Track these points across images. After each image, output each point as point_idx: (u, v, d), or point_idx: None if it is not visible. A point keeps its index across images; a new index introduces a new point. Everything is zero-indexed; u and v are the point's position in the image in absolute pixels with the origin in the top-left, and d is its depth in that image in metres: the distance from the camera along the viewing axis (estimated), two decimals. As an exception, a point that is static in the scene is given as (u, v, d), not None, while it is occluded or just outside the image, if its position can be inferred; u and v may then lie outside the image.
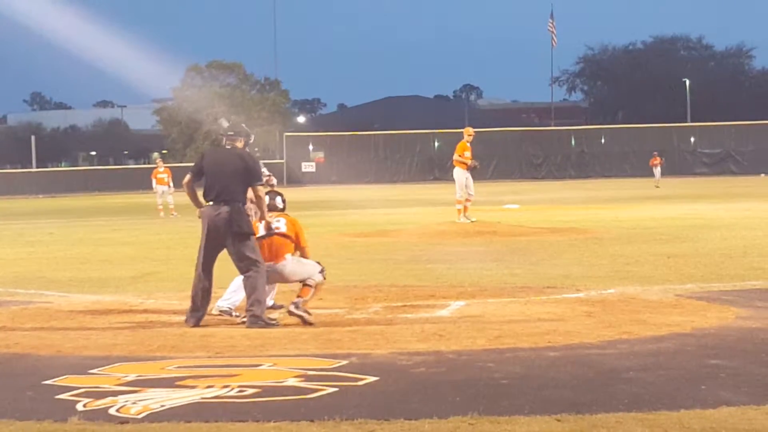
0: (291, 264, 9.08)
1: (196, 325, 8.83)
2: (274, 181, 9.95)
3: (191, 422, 5.55)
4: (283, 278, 9.17)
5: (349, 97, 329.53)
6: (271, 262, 9.02)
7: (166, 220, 27.30)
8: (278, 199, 9.44)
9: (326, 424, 5.44)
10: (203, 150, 9.47)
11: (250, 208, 9.30)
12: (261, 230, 9.17)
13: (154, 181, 31.12)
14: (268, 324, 8.73)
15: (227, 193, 8.83)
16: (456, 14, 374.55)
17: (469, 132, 21.60)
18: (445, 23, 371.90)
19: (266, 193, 9.40)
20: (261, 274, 8.84)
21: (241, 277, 9.02)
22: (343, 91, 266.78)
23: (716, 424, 5.34)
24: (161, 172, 31.05)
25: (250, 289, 8.81)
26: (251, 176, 8.91)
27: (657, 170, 45.96)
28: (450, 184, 24.87)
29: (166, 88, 74.88)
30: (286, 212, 9.43)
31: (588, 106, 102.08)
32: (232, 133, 9.13)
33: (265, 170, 9.93)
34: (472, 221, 20.27)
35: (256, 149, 70.76)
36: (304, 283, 9.05)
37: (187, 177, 9.09)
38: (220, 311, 9.44)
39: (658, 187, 42.93)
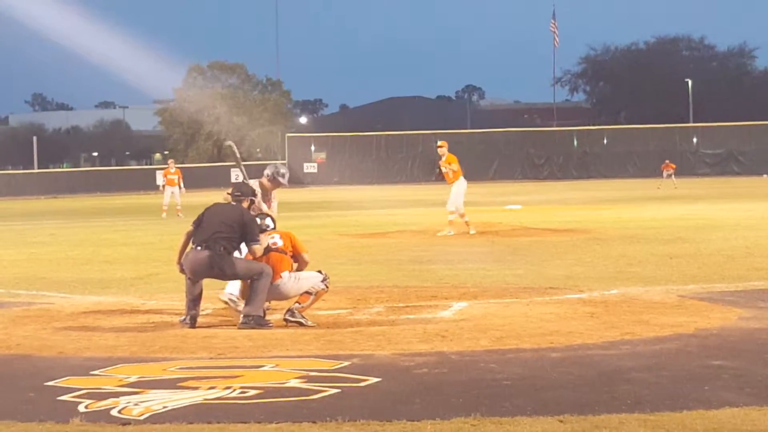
0: (289, 282, 9.01)
1: (192, 326, 8.85)
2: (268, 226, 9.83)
3: (193, 423, 5.54)
4: (281, 296, 9.11)
5: (351, 98, 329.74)
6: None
7: (168, 221, 27.28)
8: (268, 220, 9.41)
9: (328, 425, 5.43)
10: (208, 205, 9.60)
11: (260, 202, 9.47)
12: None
13: (164, 181, 31.31)
14: (259, 325, 8.74)
15: (213, 239, 8.88)
16: (458, 15, 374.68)
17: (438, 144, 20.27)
18: (448, 24, 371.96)
19: (256, 216, 9.43)
20: (265, 280, 8.86)
21: None
22: (345, 91, 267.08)
23: (719, 425, 5.33)
24: (172, 173, 31.22)
25: (252, 290, 8.87)
26: (246, 233, 8.97)
27: (666, 173, 45.89)
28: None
29: (168, 89, 75.07)
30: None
31: (590, 106, 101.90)
32: (238, 193, 9.35)
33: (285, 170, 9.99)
34: (451, 234, 19.28)
35: (258, 150, 70.79)
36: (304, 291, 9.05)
37: (190, 229, 9.18)
38: (227, 300, 9.43)
39: (659, 188, 42.91)
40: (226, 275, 8.98)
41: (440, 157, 20.07)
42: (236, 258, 8.98)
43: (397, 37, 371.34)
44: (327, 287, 9.10)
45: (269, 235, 9.22)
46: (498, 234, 18.70)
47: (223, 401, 6.05)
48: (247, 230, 9.00)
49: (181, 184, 30.71)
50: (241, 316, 8.89)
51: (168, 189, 30.80)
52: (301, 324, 8.79)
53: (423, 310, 9.68)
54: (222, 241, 8.88)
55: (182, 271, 9.06)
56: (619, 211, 26.80)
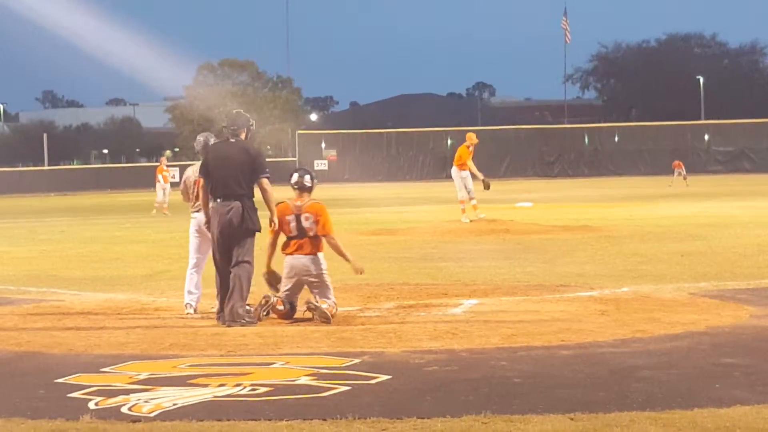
0: (323, 262, 9.01)
1: (224, 324, 8.74)
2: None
3: (203, 421, 5.53)
4: (309, 274, 8.95)
5: (362, 95, 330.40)
6: (311, 255, 8.94)
7: (175, 218, 27.16)
8: (307, 177, 9.18)
9: (339, 422, 5.42)
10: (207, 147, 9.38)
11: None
12: (294, 230, 9.01)
13: (161, 178, 31.16)
14: (248, 323, 8.66)
15: (235, 189, 8.75)
16: (469, 11, 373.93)
17: (471, 140, 20.94)
18: (458, 21, 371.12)
19: (295, 170, 9.23)
20: (248, 273, 8.78)
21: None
22: (355, 88, 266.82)
23: (730, 423, 5.30)
24: (165, 170, 31.22)
25: (235, 285, 8.71)
26: (256, 169, 8.78)
27: (678, 171, 45.67)
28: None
29: (179, 86, 75.10)
30: (312, 197, 9.19)
31: (601, 103, 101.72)
32: (234, 126, 9.02)
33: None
34: (470, 221, 20.09)
35: (268, 147, 70.84)
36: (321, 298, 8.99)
37: (201, 181, 9.00)
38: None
39: (670, 185, 42.75)
40: (252, 230, 8.72)
41: (471, 145, 20.80)
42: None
43: (407, 33, 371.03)
44: (336, 310, 8.98)
45: (305, 213, 8.98)
46: (509, 231, 18.62)
47: (233, 398, 6.03)
48: (256, 164, 8.76)
49: (169, 183, 30.73)
50: (228, 314, 8.71)
51: (166, 186, 30.76)
52: (323, 312, 8.68)
53: (433, 307, 9.64)
54: (246, 190, 8.70)
55: (209, 227, 8.85)
56: (631, 208, 26.68)
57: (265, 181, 8.84)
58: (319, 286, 8.99)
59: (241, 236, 8.80)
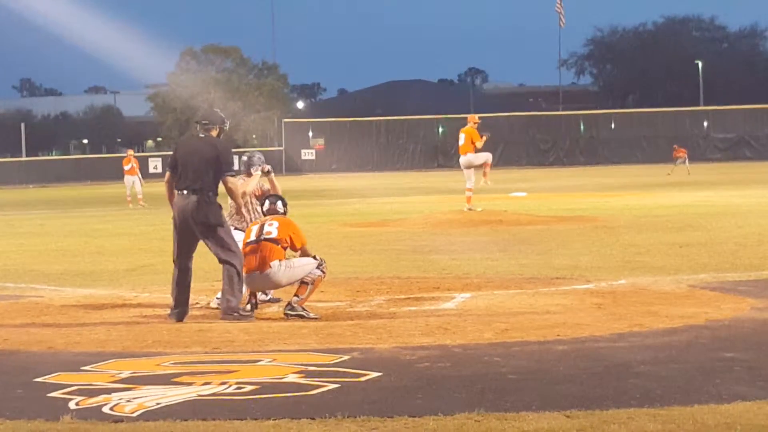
0: (280, 271, 8.77)
1: (179, 321, 8.67)
2: (269, 167, 9.69)
3: (188, 420, 5.45)
4: (273, 285, 8.91)
5: (350, 82, 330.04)
6: (257, 271, 8.77)
7: (156, 212, 26.94)
8: (279, 204, 9.15)
9: (327, 421, 5.34)
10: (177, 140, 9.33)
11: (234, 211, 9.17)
12: (252, 235, 8.89)
13: (128, 168, 31.07)
14: (242, 316, 8.59)
15: (197, 182, 8.67)
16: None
17: (474, 120, 21.29)
18: (449, 4, 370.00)
19: (267, 197, 9.21)
20: (238, 264, 8.68)
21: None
22: (343, 75, 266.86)
23: (731, 419, 5.24)
24: (132, 160, 31.23)
25: (227, 279, 8.64)
26: (221, 165, 8.72)
27: (680, 159, 45.47)
28: (454, 172, 24.75)
29: (161, 73, 74.10)
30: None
31: (597, 89, 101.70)
32: (206, 121, 8.99)
33: (260, 156, 9.67)
34: (479, 210, 20.09)
35: (254, 136, 70.50)
36: (300, 281, 8.81)
37: (167, 174, 8.94)
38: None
39: (669, 174, 42.71)
40: (209, 224, 8.63)
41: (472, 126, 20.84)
42: (225, 218, 8.80)
43: (397, 18, 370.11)
44: (324, 273, 8.88)
45: (269, 220, 8.91)
46: (502, 222, 18.61)
47: (219, 397, 5.96)
48: (222, 160, 8.69)
49: (139, 174, 30.86)
50: (222, 307, 8.67)
51: (129, 179, 30.74)
52: (302, 317, 8.61)
53: (425, 301, 9.59)
54: (207, 184, 8.61)
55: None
56: (628, 198, 26.76)
57: (230, 180, 8.82)
58: (272, 280, 8.80)
59: (209, 231, 8.70)
